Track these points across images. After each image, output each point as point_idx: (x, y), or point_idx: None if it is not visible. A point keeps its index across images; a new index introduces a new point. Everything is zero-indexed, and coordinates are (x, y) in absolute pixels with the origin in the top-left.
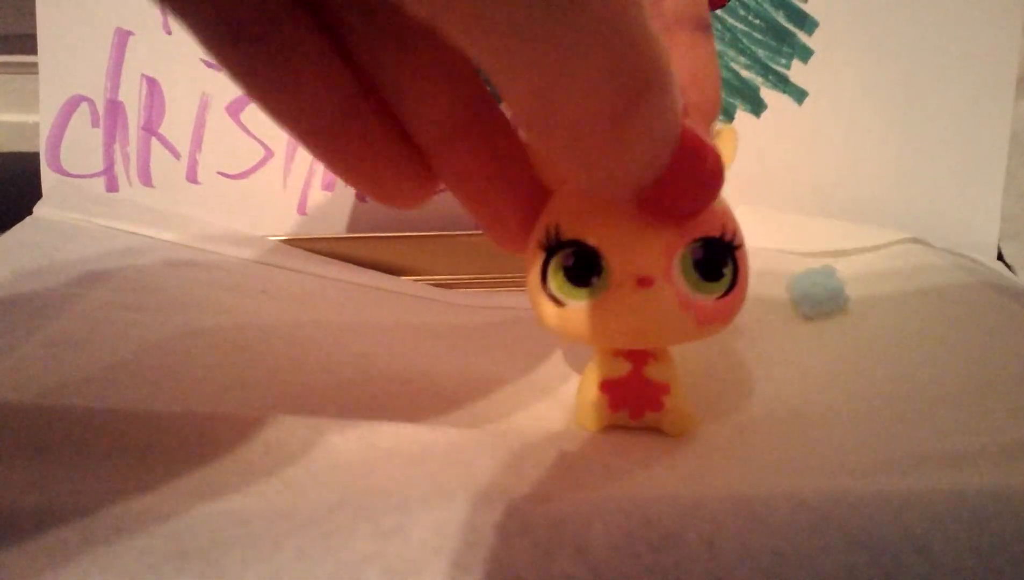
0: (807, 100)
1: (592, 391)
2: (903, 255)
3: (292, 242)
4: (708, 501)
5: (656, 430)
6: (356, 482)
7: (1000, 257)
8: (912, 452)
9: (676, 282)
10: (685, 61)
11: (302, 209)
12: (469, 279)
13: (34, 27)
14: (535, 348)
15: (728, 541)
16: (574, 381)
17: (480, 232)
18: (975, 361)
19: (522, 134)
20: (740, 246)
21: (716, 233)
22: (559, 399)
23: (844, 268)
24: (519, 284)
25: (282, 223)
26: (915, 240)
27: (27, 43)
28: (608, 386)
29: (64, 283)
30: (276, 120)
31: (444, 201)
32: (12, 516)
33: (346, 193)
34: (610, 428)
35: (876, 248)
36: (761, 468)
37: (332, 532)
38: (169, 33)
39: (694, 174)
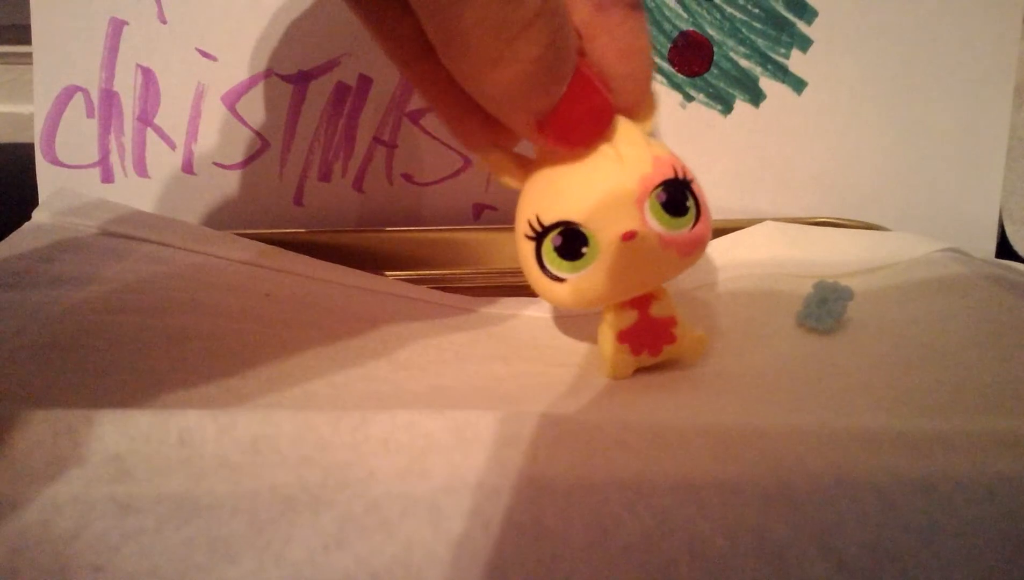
0: (806, 90)
1: (611, 346)
2: (936, 265)
3: (289, 236)
4: (734, 560)
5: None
6: (352, 496)
7: (1000, 246)
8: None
9: (652, 226)
10: (616, 35)
11: (299, 200)
12: (466, 273)
13: (28, 17)
14: (535, 351)
15: None
16: (572, 375)
17: (478, 227)
18: (1010, 365)
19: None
20: (693, 180)
21: (671, 175)
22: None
23: (877, 280)
24: (515, 279)
25: (278, 214)
26: (951, 249)
27: (21, 33)
28: (624, 335)
29: (59, 286)
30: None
31: (441, 197)
32: None
33: (343, 184)
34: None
35: (910, 261)
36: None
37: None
38: (164, 23)
39: (585, 106)
